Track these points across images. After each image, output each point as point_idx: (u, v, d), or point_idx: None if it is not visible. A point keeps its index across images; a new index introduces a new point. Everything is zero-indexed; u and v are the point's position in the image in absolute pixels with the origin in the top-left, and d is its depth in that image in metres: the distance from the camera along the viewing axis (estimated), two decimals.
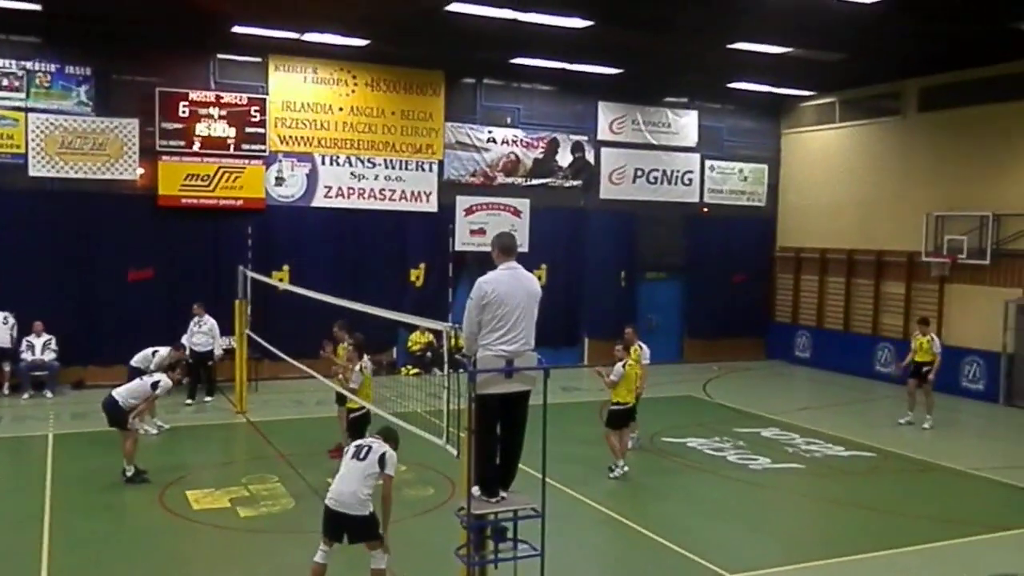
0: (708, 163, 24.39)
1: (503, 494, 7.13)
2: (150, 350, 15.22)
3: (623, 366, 12.66)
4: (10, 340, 17.31)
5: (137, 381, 12.66)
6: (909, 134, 21.82)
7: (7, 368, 17.41)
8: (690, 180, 24.22)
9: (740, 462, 14.02)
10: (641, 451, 14.20)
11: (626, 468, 12.71)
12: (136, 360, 14.98)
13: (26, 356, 17.41)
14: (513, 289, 7.02)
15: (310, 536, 8.31)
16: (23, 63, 17.80)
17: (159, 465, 12.59)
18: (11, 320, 17.34)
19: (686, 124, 24.07)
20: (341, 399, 12.80)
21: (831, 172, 23.79)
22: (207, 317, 17.17)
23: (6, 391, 17.39)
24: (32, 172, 17.90)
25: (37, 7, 16.23)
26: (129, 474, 12.00)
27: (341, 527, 8.02)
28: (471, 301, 7.04)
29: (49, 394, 17.39)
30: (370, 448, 8.21)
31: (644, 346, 14.03)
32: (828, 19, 15.76)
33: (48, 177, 18.03)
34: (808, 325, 24.33)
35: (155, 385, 12.42)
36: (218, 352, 17.35)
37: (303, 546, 8.66)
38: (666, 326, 23.57)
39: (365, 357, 12.14)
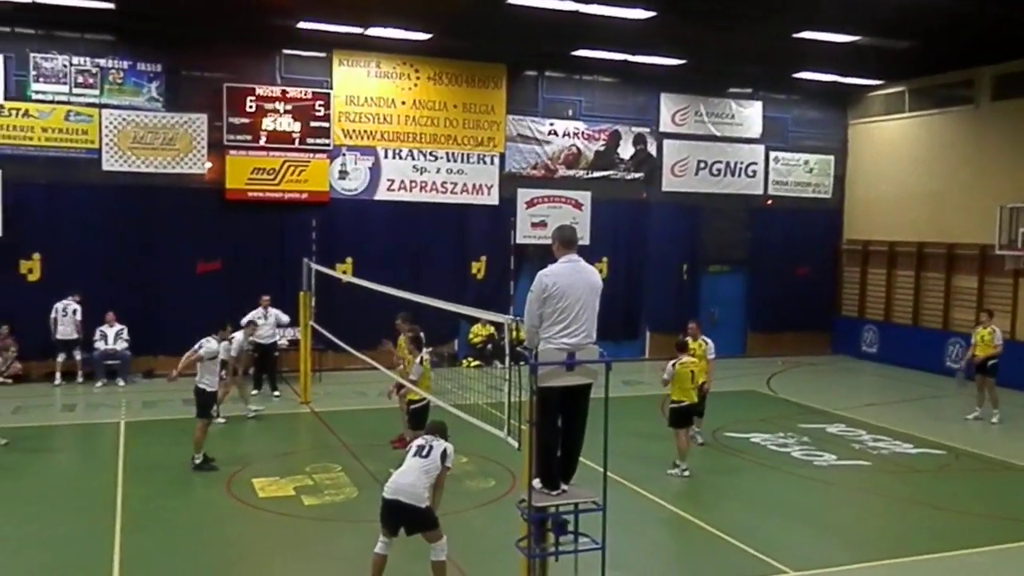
0: (773, 154, 24.03)
1: (564, 487, 7.13)
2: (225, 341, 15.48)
3: (673, 366, 12.44)
4: (75, 330, 17.68)
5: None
6: (982, 123, 21.20)
7: (78, 357, 17.88)
8: (754, 172, 23.88)
9: (805, 458, 13.80)
10: (704, 446, 14.05)
11: (687, 473, 12.51)
12: (221, 353, 15.14)
13: (99, 345, 17.93)
14: (574, 282, 7.00)
15: (373, 525, 8.40)
16: (97, 60, 18.31)
17: (227, 453, 12.87)
18: (72, 307, 17.65)
19: (750, 115, 23.74)
20: (401, 389, 12.92)
21: (900, 163, 23.24)
22: (272, 309, 17.45)
23: (79, 379, 17.90)
24: (105, 166, 18.42)
25: (111, 5, 16.64)
26: (197, 461, 12.30)
27: (398, 518, 8.11)
28: (532, 294, 7.03)
29: (121, 382, 17.91)
30: (431, 447, 8.33)
31: (709, 340, 13.85)
32: (897, 5, 15.38)
33: (120, 171, 18.53)
34: (875, 319, 23.82)
35: (200, 346, 12.53)
36: (282, 343, 17.62)
37: (366, 535, 8.77)
38: (729, 320, 23.26)
39: (424, 349, 12.23)
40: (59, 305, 17.64)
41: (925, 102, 22.63)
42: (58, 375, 17.79)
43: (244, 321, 15.91)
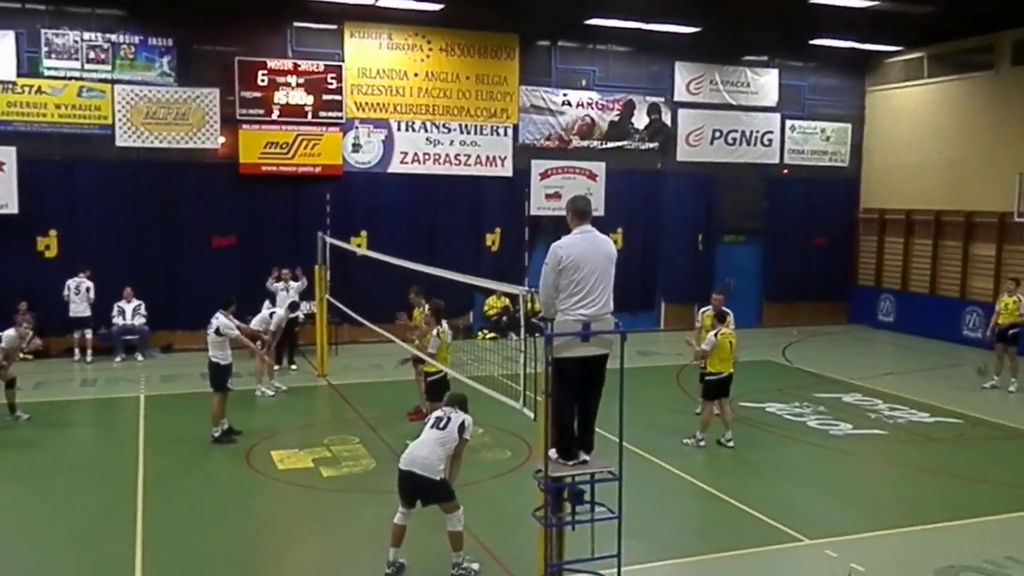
0: (789, 123, 23.82)
1: (585, 456, 7.14)
2: (267, 312, 15.57)
3: (715, 335, 12.35)
4: (88, 308, 17.66)
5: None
6: (1003, 89, 20.90)
7: (88, 335, 17.84)
8: (770, 140, 23.69)
9: (821, 428, 13.81)
10: (719, 416, 14.02)
11: (703, 443, 12.47)
12: (255, 323, 15.05)
13: (117, 321, 18.05)
14: (588, 252, 6.96)
15: (390, 496, 8.47)
16: (108, 36, 18.27)
17: (246, 426, 12.96)
18: (84, 285, 17.58)
19: (766, 83, 23.51)
20: (418, 361, 12.97)
21: (918, 130, 22.99)
22: (292, 283, 17.50)
23: (88, 357, 17.87)
24: (119, 142, 18.44)
25: None
26: (216, 434, 12.41)
27: (413, 490, 8.16)
28: (546, 266, 7.00)
29: (140, 357, 18.05)
30: (449, 419, 8.37)
31: (730, 312, 13.81)
32: None
33: (134, 147, 18.55)
34: (892, 288, 23.69)
35: (217, 331, 12.45)
36: (301, 316, 17.56)
37: (384, 505, 8.85)
38: (744, 290, 23.14)
39: (443, 322, 12.24)
40: (71, 283, 17.64)
41: (944, 68, 22.33)
42: (77, 351, 17.88)
43: (289, 303, 16.24)
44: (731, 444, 12.51)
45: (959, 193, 21.72)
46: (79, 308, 17.67)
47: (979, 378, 16.77)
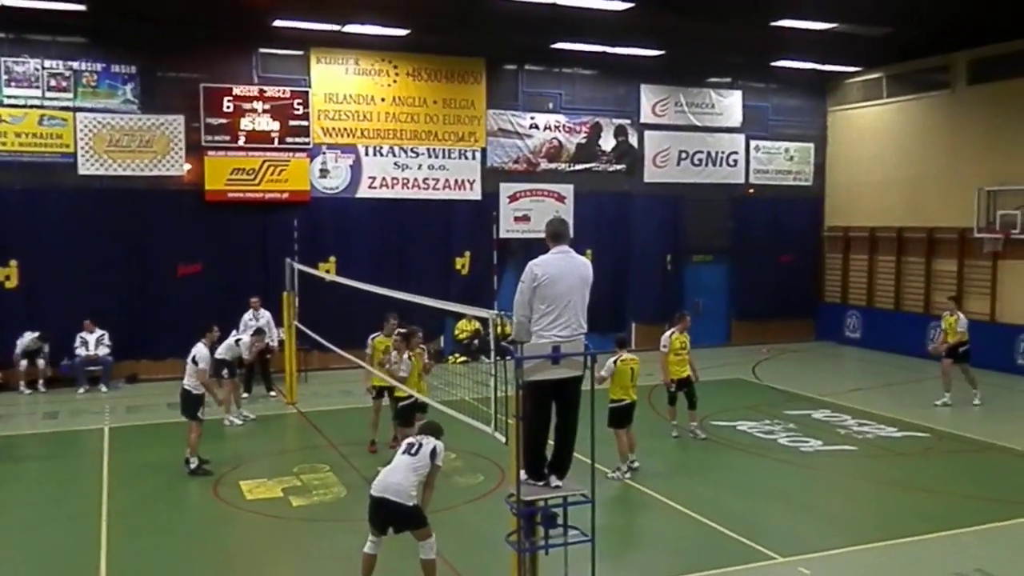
0: (753, 143, 24.09)
1: (558, 482, 7.09)
2: (233, 339, 15.38)
3: (614, 363, 12.03)
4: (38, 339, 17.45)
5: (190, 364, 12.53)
6: (959, 108, 21.32)
7: (41, 365, 17.57)
8: (735, 161, 23.94)
9: (791, 445, 13.87)
10: (690, 435, 14.04)
11: (636, 465, 12.13)
12: (220, 351, 14.67)
13: (80, 352, 17.76)
14: (563, 272, 6.96)
15: (362, 524, 8.38)
16: (70, 63, 18.10)
17: (213, 456, 12.72)
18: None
19: (730, 104, 23.79)
20: (380, 393, 12.86)
21: (879, 149, 23.35)
22: (263, 311, 17.33)
23: (41, 388, 17.59)
24: (81, 171, 18.23)
25: (82, 7, 16.47)
26: (193, 466, 12.18)
27: (386, 517, 8.07)
28: (522, 284, 6.98)
29: (104, 388, 17.75)
30: (421, 445, 8.30)
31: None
32: None
33: (97, 175, 18.35)
34: (858, 305, 23.96)
35: (194, 360, 12.28)
36: (274, 344, 17.32)
37: (355, 534, 8.74)
38: (713, 309, 23.35)
39: (421, 347, 12.15)
40: None
41: (902, 88, 22.74)
42: (21, 384, 17.48)
43: (253, 330, 16.01)
44: (635, 465, 12.14)
45: (920, 210, 22.05)
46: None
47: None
